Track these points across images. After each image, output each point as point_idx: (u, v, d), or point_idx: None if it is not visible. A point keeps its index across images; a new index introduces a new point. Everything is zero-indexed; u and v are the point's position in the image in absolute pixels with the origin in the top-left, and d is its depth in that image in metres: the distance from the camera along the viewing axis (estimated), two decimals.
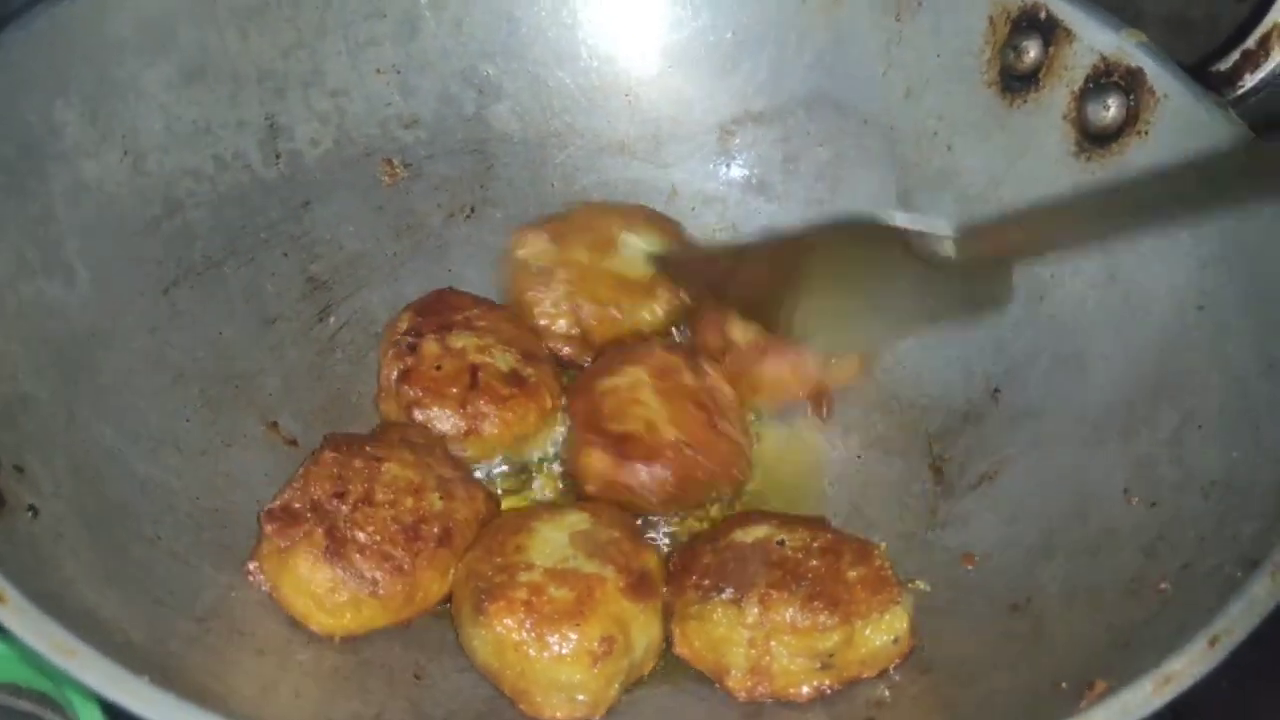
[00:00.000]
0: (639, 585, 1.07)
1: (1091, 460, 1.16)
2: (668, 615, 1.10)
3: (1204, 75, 1.22)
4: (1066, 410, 1.21)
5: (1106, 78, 1.24)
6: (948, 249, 1.10)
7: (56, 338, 1.09)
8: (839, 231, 1.23)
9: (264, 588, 1.07)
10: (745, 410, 1.27)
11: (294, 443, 1.22)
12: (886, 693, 1.07)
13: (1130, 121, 1.23)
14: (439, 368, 1.22)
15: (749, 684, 1.06)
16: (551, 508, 1.16)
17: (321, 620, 1.06)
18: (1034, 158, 1.29)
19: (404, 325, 1.25)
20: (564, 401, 1.26)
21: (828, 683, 1.06)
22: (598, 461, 1.18)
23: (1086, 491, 1.14)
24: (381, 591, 1.06)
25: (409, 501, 1.10)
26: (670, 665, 1.10)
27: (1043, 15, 1.27)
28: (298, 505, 1.07)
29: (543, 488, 1.24)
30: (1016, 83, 1.30)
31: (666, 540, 1.20)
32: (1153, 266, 1.19)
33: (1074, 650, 1.00)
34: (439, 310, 1.27)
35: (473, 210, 1.42)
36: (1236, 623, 0.87)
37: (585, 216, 1.36)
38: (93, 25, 1.18)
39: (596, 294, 1.31)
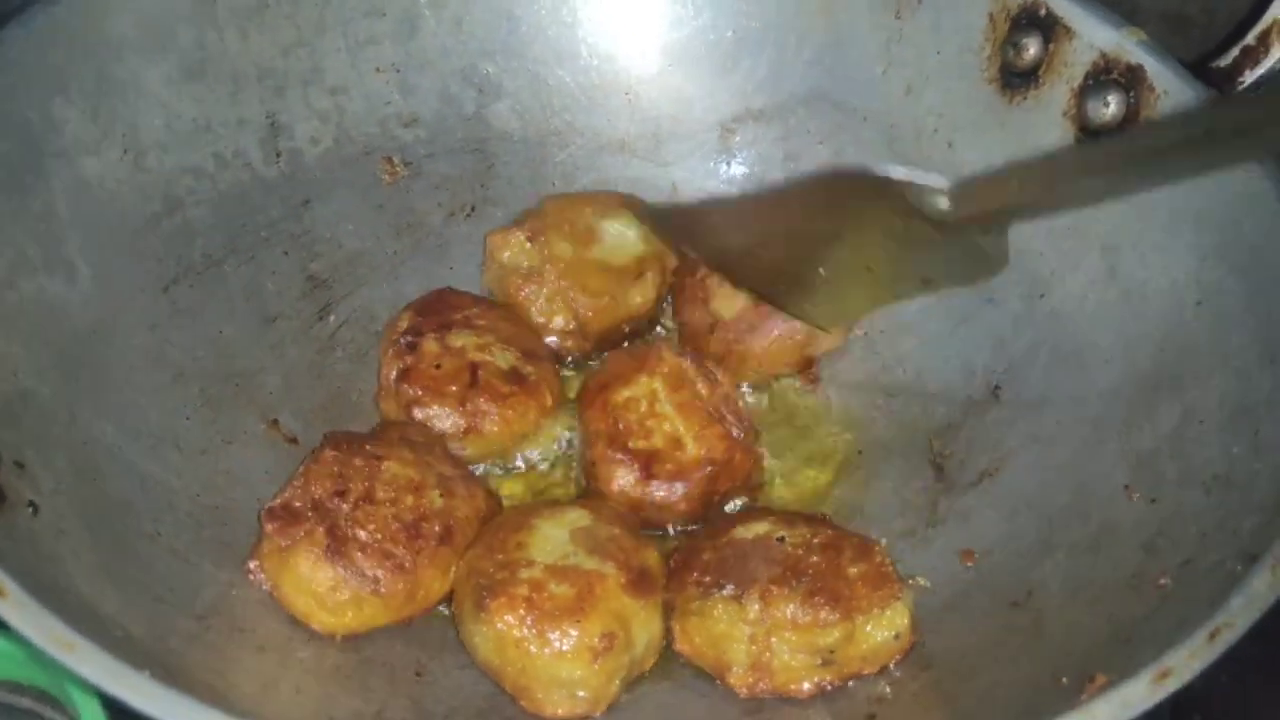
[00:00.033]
0: (639, 582, 1.07)
1: (1092, 456, 1.16)
2: (668, 612, 1.10)
3: (1204, 72, 1.22)
4: (1067, 406, 1.21)
5: (1106, 75, 1.24)
6: (943, 204, 1.07)
7: (57, 335, 1.09)
8: (831, 185, 1.21)
9: (265, 586, 1.07)
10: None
11: (294, 440, 1.22)
12: (887, 689, 1.07)
13: (1130, 118, 1.23)
14: (439, 366, 1.22)
15: (750, 680, 1.06)
16: (552, 505, 1.16)
17: (323, 619, 1.06)
18: (1034, 155, 1.29)
19: (404, 324, 1.25)
20: (566, 399, 1.26)
21: (829, 679, 1.06)
22: (623, 480, 1.18)
23: (1087, 487, 1.14)
24: (383, 590, 1.06)
25: (410, 500, 1.10)
26: (671, 662, 1.10)
27: (1042, 12, 1.27)
28: (298, 504, 1.07)
29: (550, 488, 1.25)
30: (1016, 80, 1.30)
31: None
32: (1152, 262, 1.19)
33: (1074, 645, 1.00)
34: (439, 309, 1.28)
35: (473, 209, 1.42)
36: (1237, 617, 0.87)
37: (558, 209, 1.36)
38: (93, 23, 1.18)
39: (587, 285, 1.31)
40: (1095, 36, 1.24)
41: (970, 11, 1.32)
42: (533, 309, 1.31)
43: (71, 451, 1.04)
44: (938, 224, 1.07)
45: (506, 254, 1.32)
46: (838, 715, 1.06)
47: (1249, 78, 1.21)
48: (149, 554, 1.04)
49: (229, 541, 1.10)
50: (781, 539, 1.10)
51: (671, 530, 1.21)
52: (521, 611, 1.03)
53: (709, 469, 1.18)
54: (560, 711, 1.04)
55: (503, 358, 1.24)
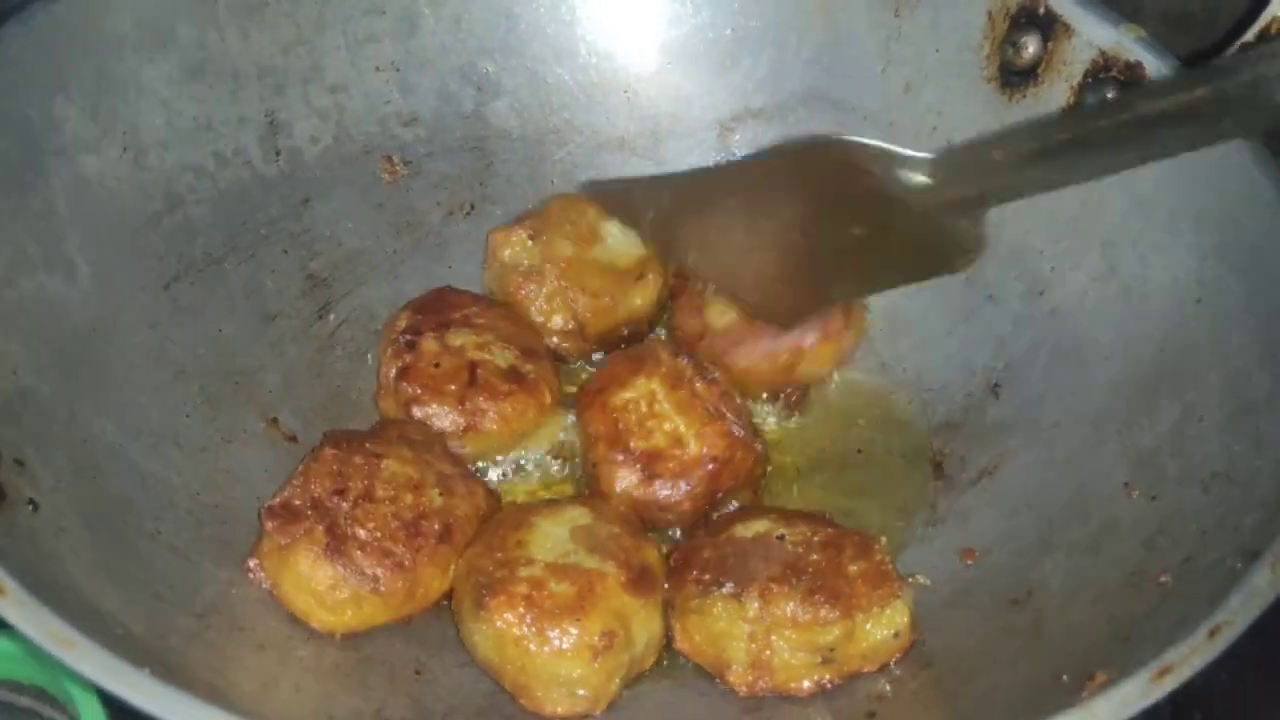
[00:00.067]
0: (639, 580, 1.07)
1: (1092, 454, 1.16)
2: (668, 610, 1.10)
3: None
4: (1067, 404, 1.21)
5: (1105, 72, 1.24)
6: (922, 178, 1.04)
7: (57, 333, 1.09)
8: (803, 159, 1.17)
9: (264, 585, 1.07)
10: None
11: (294, 439, 1.22)
12: (887, 687, 1.06)
13: None
14: (438, 365, 1.22)
15: (750, 678, 1.06)
16: (552, 503, 1.16)
17: (322, 617, 1.06)
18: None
19: (403, 323, 1.25)
20: (565, 398, 1.26)
21: (828, 677, 1.06)
22: (625, 481, 1.18)
23: (1087, 485, 1.14)
24: (382, 588, 1.06)
25: (409, 498, 1.10)
26: (671, 660, 1.10)
27: (1041, 10, 1.27)
28: (298, 502, 1.07)
29: (548, 486, 1.25)
30: (1015, 78, 1.30)
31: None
32: (1152, 260, 1.20)
33: (1075, 644, 1.00)
34: (438, 308, 1.28)
35: (472, 207, 1.42)
36: (1237, 614, 0.87)
37: (560, 209, 1.35)
38: (93, 21, 1.18)
39: (588, 286, 1.31)
40: (1094, 34, 1.24)
41: (969, 10, 1.32)
42: (532, 308, 1.31)
43: (71, 449, 1.04)
44: (915, 203, 1.04)
45: (507, 252, 1.32)
46: (838, 713, 1.05)
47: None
48: (149, 552, 1.04)
49: (229, 540, 1.10)
50: (781, 537, 1.10)
51: (677, 534, 1.21)
52: (521, 610, 1.03)
53: (711, 466, 1.18)
54: (560, 710, 1.04)
55: (502, 356, 1.24)
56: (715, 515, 1.20)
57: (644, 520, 1.17)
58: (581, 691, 1.04)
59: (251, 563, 1.08)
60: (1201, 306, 1.15)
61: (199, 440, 1.17)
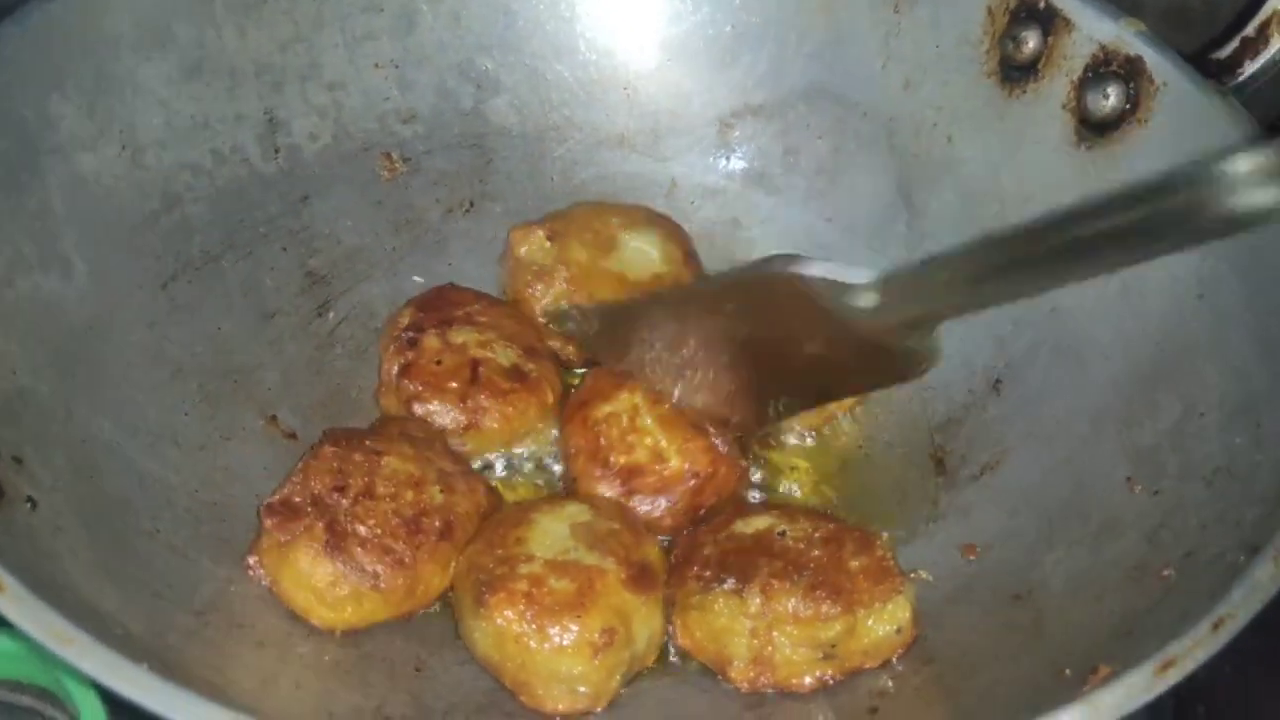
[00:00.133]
0: (640, 577, 1.07)
1: (1093, 450, 1.16)
2: (669, 607, 1.10)
3: (1203, 63, 1.22)
4: (1068, 400, 1.21)
5: (1106, 67, 1.24)
6: (867, 301, 1.02)
7: (54, 332, 1.09)
8: (751, 286, 1.15)
9: (264, 582, 1.07)
10: None
11: (293, 436, 1.22)
12: (889, 683, 1.06)
13: (1130, 110, 1.23)
14: (439, 362, 1.22)
15: (751, 675, 1.06)
16: (552, 499, 1.16)
17: (323, 614, 1.06)
18: (1034, 148, 1.29)
19: (405, 320, 1.25)
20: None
21: (830, 673, 1.06)
22: (605, 494, 1.17)
23: (1088, 481, 1.14)
24: (383, 585, 1.06)
25: (409, 495, 1.10)
26: (672, 657, 1.10)
27: (1041, 5, 1.27)
28: (298, 499, 1.07)
29: (548, 485, 1.24)
30: (1016, 73, 1.30)
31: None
32: None
33: (1077, 638, 1.00)
34: (440, 305, 1.27)
35: (471, 205, 1.42)
36: (1239, 607, 0.87)
37: (584, 215, 1.35)
38: (89, 20, 1.18)
39: (595, 293, 1.30)
40: (1094, 29, 1.25)
41: (969, 5, 1.32)
42: (536, 308, 1.31)
43: (69, 448, 1.04)
44: (864, 325, 1.04)
45: (524, 249, 1.32)
46: (839, 709, 1.05)
47: (1249, 69, 1.21)
48: (147, 550, 1.04)
49: (227, 537, 1.10)
50: (783, 533, 1.10)
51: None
52: (521, 607, 1.02)
53: (693, 481, 1.17)
54: (560, 707, 1.04)
55: (504, 355, 1.24)
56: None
57: None
58: (582, 689, 1.04)
59: (251, 560, 1.08)
60: (1201, 302, 1.15)
61: (197, 438, 1.16)
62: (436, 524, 1.09)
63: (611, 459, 1.18)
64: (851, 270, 1.04)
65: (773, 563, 1.07)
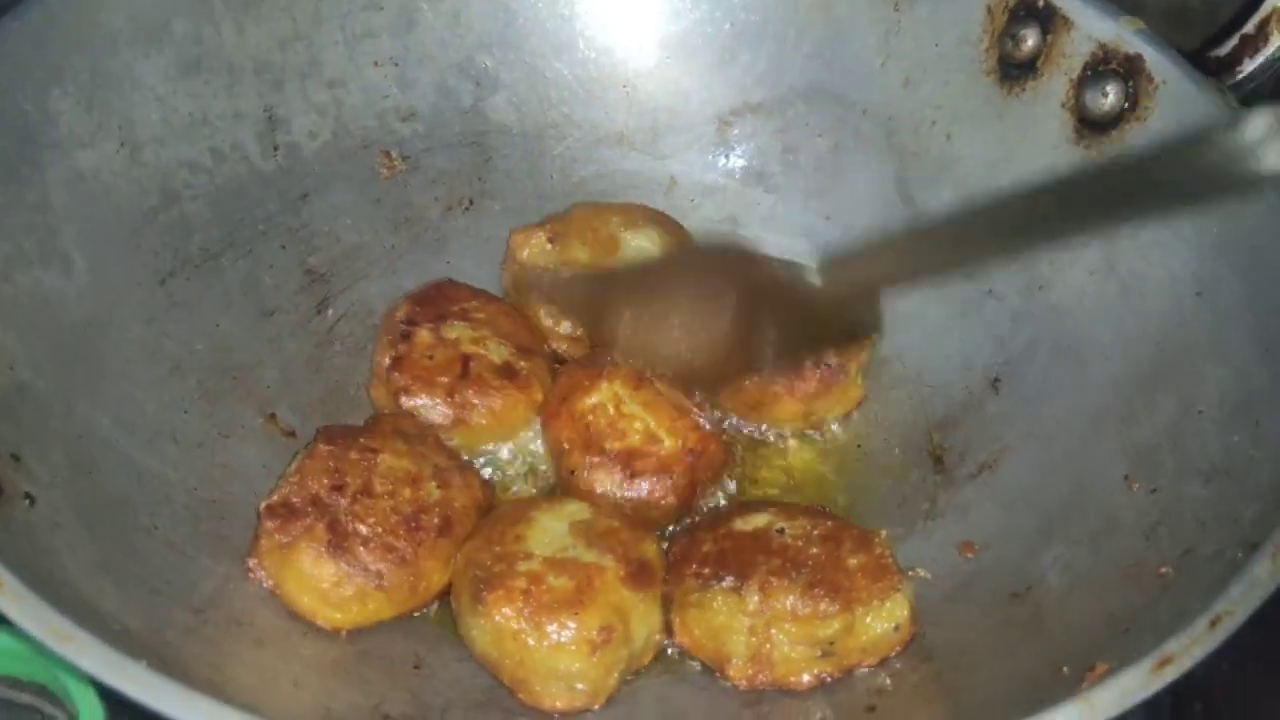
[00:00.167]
0: (638, 574, 1.07)
1: (1091, 448, 1.16)
2: (667, 604, 1.09)
3: (1202, 61, 1.22)
4: (1066, 399, 1.21)
5: (1105, 65, 1.24)
6: (812, 278, 1.10)
7: (53, 328, 1.09)
8: (702, 258, 1.23)
9: (266, 584, 1.07)
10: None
11: (292, 434, 1.22)
12: (888, 680, 1.06)
13: (1129, 108, 1.23)
14: (431, 357, 1.22)
15: (749, 672, 1.06)
16: (551, 497, 1.16)
17: (328, 615, 1.06)
18: (1033, 146, 1.29)
19: (401, 314, 1.25)
20: None
21: (828, 671, 1.06)
22: (606, 483, 1.17)
23: (1087, 479, 1.14)
24: (386, 583, 1.06)
25: (407, 492, 1.10)
26: (670, 654, 1.10)
27: (1040, 3, 1.27)
28: (297, 500, 1.07)
29: (535, 484, 1.24)
30: (1015, 71, 1.30)
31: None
32: (1151, 255, 1.20)
33: (1075, 636, 1.00)
34: (437, 300, 1.27)
35: (471, 203, 1.42)
36: (1237, 604, 0.87)
37: (584, 216, 1.35)
38: (87, 16, 1.18)
39: None
40: (1093, 27, 1.25)
41: (968, 3, 1.32)
42: (542, 310, 1.31)
43: (68, 445, 1.04)
44: (815, 291, 1.09)
45: (525, 252, 1.31)
46: (838, 707, 1.05)
47: (1248, 67, 1.21)
48: (146, 547, 1.03)
49: (226, 535, 1.10)
50: (781, 530, 1.10)
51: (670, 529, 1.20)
52: (519, 604, 1.02)
53: (689, 459, 1.18)
54: (559, 704, 1.04)
55: (496, 351, 1.24)
56: (704, 510, 1.21)
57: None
58: (580, 686, 1.04)
59: (251, 562, 1.07)
60: (1200, 300, 1.15)
61: (196, 435, 1.16)
62: (435, 520, 1.09)
63: (607, 445, 1.18)
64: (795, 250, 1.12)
65: (771, 560, 1.07)
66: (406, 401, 1.19)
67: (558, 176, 1.43)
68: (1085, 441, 1.17)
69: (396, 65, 1.38)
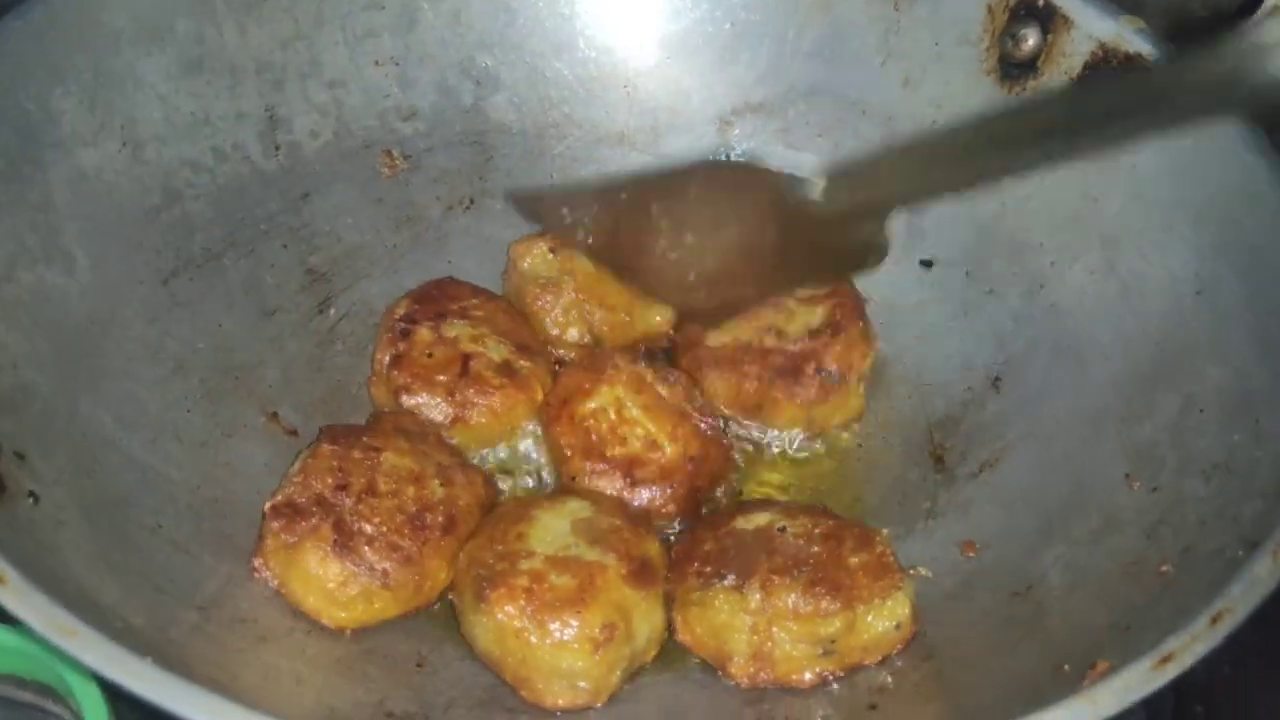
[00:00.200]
0: (640, 573, 1.07)
1: (1092, 447, 1.16)
2: (669, 602, 1.10)
3: None
4: (1067, 398, 1.22)
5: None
6: (817, 193, 1.06)
7: (56, 326, 1.09)
8: (705, 176, 1.19)
9: (272, 584, 1.07)
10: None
11: (294, 433, 1.22)
12: (889, 679, 1.06)
13: None
14: (430, 355, 1.22)
15: (751, 670, 1.06)
16: (552, 496, 1.16)
17: (334, 614, 1.06)
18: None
19: (401, 311, 1.25)
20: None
21: (830, 669, 1.06)
22: (607, 489, 1.17)
23: (1087, 478, 1.15)
24: (392, 582, 1.06)
25: (411, 490, 1.10)
26: (672, 652, 1.10)
27: (1041, 3, 1.27)
28: (301, 500, 1.07)
29: (537, 483, 1.24)
30: (1015, 70, 1.30)
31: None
32: (1151, 256, 1.20)
33: (1076, 634, 1.00)
34: (437, 298, 1.28)
35: (472, 202, 1.42)
36: (1238, 602, 0.87)
37: None
38: (89, 15, 1.18)
39: (606, 300, 1.30)
40: (1094, 26, 1.25)
41: (968, 3, 1.32)
42: (548, 319, 1.30)
43: (71, 444, 1.04)
44: (813, 214, 1.06)
45: (527, 262, 1.31)
46: (839, 705, 1.05)
47: None
48: (149, 546, 1.04)
49: (229, 534, 1.10)
50: (783, 529, 1.10)
51: (676, 526, 1.20)
52: (522, 602, 1.02)
53: (690, 466, 1.18)
54: (561, 702, 1.04)
55: (496, 350, 1.24)
56: (704, 511, 1.20)
57: None
58: (582, 684, 1.04)
59: (256, 562, 1.08)
60: (1200, 299, 1.15)
61: (199, 435, 1.16)
62: (440, 519, 1.09)
63: (608, 452, 1.18)
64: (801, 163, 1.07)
65: (773, 559, 1.07)
66: (406, 400, 1.20)
67: (558, 176, 1.43)
68: (1086, 440, 1.17)
69: (397, 65, 1.38)
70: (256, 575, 1.07)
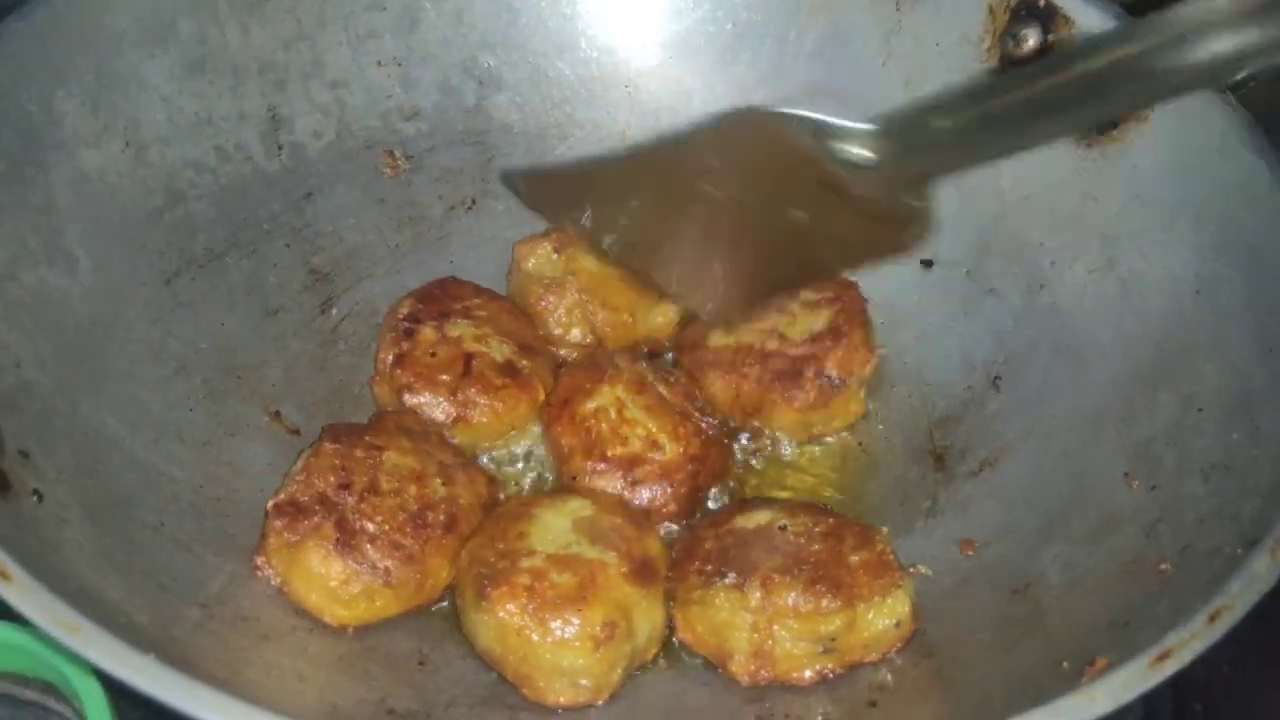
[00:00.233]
0: (641, 571, 1.07)
1: (1091, 446, 1.16)
2: (670, 601, 1.10)
3: None
4: (1067, 397, 1.22)
5: None
6: (864, 149, 1.00)
7: (59, 327, 1.10)
8: (736, 138, 1.10)
9: (274, 582, 1.08)
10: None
11: (297, 433, 1.22)
12: (889, 676, 1.07)
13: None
14: (434, 354, 1.22)
15: (752, 668, 1.06)
16: (553, 494, 1.17)
17: (336, 612, 1.06)
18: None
19: (404, 311, 1.26)
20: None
21: (830, 666, 1.06)
22: (608, 488, 1.17)
23: (1086, 477, 1.15)
24: (394, 580, 1.06)
25: (413, 489, 1.10)
26: (673, 650, 1.11)
27: (1041, 3, 1.27)
28: (304, 498, 1.08)
29: (538, 482, 1.24)
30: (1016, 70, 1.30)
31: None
32: (1151, 255, 1.20)
33: (1075, 632, 1.00)
34: (440, 298, 1.28)
35: (474, 202, 1.42)
36: (1236, 599, 0.87)
37: None
38: (92, 17, 1.18)
39: (609, 300, 1.30)
40: (1094, 26, 1.24)
41: (969, 3, 1.32)
42: (551, 319, 1.31)
43: (74, 442, 1.05)
44: (856, 182, 0.99)
45: (531, 262, 1.32)
46: (839, 703, 1.06)
47: None
48: (152, 544, 1.04)
49: (232, 533, 1.10)
50: (783, 528, 1.10)
51: (674, 527, 1.20)
52: (523, 600, 1.03)
53: (691, 466, 1.18)
54: (562, 700, 1.05)
55: (499, 350, 1.24)
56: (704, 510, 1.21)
57: None
58: (583, 681, 1.04)
59: (259, 560, 1.08)
60: (1200, 298, 1.15)
61: (201, 434, 1.17)
62: (441, 517, 1.09)
63: (609, 452, 1.18)
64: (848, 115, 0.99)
65: (773, 557, 1.07)
66: (409, 399, 1.20)
67: None
68: (1085, 439, 1.17)
69: (400, 65, 1.39)
70: (259, 573, 1.08)
